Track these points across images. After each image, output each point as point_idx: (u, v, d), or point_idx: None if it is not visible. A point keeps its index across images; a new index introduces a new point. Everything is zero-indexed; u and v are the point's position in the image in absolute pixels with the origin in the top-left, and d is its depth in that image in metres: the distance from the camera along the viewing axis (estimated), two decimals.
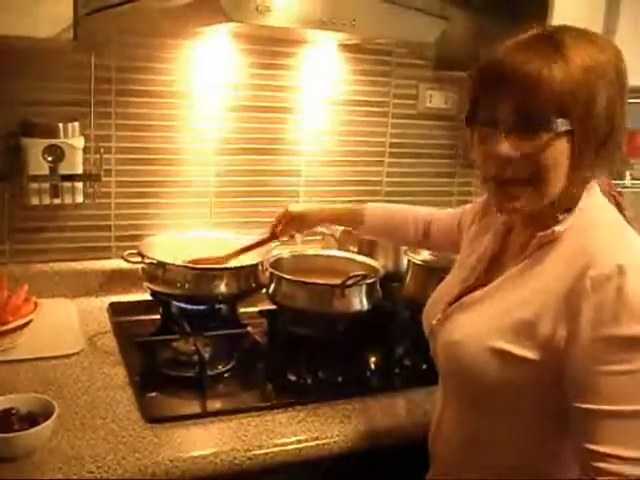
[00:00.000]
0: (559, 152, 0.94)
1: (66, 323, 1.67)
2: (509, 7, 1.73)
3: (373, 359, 1.66)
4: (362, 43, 2.01)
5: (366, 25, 1.55)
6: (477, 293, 1.09)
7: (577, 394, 0.92)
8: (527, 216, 1.05)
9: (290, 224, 1.65)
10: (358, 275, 1.62)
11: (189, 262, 1.69)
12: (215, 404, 1.35)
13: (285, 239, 1.70)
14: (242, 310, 1.80)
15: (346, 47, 2.04)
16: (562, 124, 0.92)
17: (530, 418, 1.02)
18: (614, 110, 0.95)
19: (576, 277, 0.92)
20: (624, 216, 1.02)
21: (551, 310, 0.94)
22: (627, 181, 2.41)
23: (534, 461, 1.03)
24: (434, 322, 1.14)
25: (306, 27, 1.52)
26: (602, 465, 0.88)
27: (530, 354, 0.96)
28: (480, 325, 1.04)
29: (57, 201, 1.74)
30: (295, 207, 1.66)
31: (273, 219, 1.67)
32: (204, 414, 1.31)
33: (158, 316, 1.75)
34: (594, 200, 1.01)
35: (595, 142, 0.95)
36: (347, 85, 2.09)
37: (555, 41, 0.93)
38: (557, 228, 0.98)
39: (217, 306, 1.74)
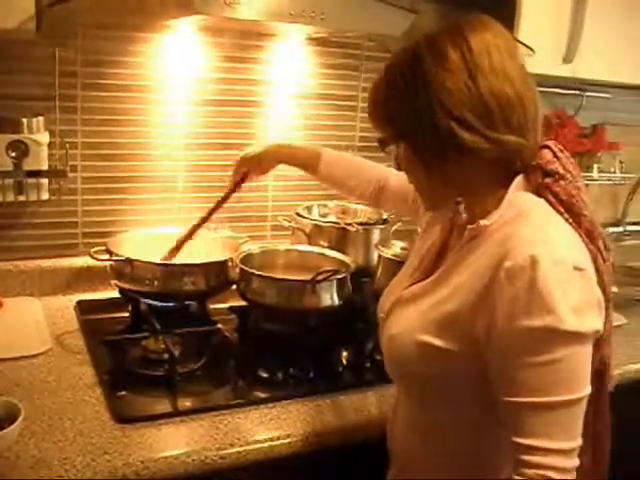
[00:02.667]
0: (404, 159, 1.04)
1: (32, 322, 1.63)
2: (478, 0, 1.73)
3: (344, 354, 1.65)
4: (331, 36, 2.00)
5: (335, 18, 1.54)
6: (416, 287, 1.10)
7: (499, 387, 0.93)
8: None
9: (249, 169, 1.58)
10: (329, 270, 1.62)
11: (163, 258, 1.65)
12: (186, 403, 1.34)
13: (249, 184, 1.62)
14: (212, 307, 1.78)
15: (315, 40, 2.02)
16: (393, 136, 1.04)
17: (469, 408, 1.03)
18: (420, 114, 0.96)
19: (494, 268, 0.93)
20: (562, 205, 0.98)
21: (472, 302, 0.95)
22: (595, 174, 2.45)
23: (479, 449, 1.05)
24: (381, 315, 1.16)
25: (275, 20, 1.51)
26: (527, 458, 0.89)
27: (453, 347, 0.98)
28: (413, 319, 1.05)
29: (22, 198, 1.71)
30: (250, 151, 1.57)
31: (232, 169, 1.60)
32: (175, 413, 1.30)
33: (127, 314, 1.72)
34: (522, 193, 1.00)
35: (424, 142, 0.98)
36: (316, 79, 2.08)
37: None
38: (482, 222, 0.99)
39: (187, 303, 1.73)
